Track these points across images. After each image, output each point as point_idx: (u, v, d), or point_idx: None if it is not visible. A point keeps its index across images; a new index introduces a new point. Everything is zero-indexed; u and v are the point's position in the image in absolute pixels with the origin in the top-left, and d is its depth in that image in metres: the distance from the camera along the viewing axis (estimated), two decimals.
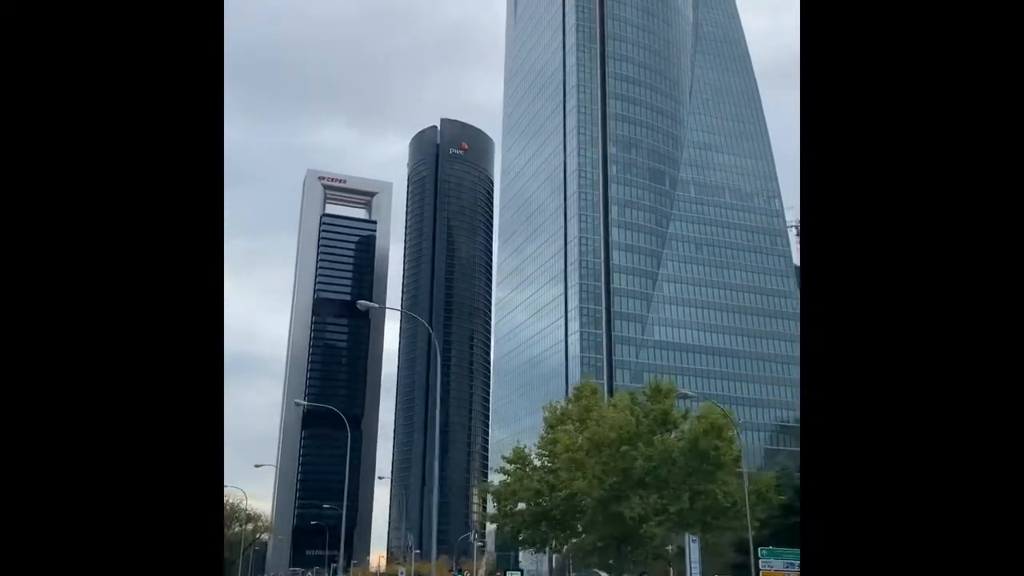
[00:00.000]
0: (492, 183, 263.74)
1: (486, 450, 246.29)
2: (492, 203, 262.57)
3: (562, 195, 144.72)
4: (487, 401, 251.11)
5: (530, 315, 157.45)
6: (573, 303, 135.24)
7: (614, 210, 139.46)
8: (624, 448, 48.63)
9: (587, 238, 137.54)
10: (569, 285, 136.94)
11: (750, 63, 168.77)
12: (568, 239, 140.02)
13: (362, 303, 43.11)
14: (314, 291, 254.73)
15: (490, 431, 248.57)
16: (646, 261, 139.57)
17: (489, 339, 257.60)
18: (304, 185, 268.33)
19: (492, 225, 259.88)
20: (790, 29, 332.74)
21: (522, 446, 62.82)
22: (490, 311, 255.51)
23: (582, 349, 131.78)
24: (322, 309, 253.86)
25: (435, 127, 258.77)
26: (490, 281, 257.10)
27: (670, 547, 55.23)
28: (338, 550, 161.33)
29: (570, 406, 61.10)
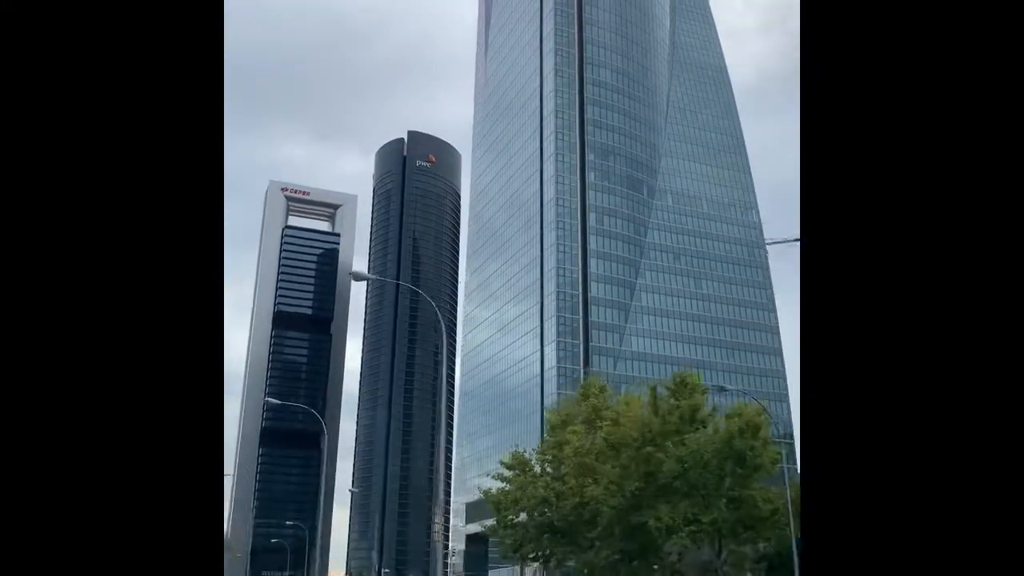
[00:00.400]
0: (459, 197, 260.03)
1: (450, 469, 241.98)
2: (459, 217, 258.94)
3: (538, 203, 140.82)
4: (451, 419, 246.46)
5: (497, 330, 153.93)
6: (550, 312, 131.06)
7: (592, 217, 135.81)
8: (648, 449, 42.98)
9: (565, 245, 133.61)
10: (546, 294, 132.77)
11: (727, 74, 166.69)
12: (545, 247, 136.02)
13: (356, 272, 39.60)
14: (274, 305, 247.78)
15: (454, 449, 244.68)
16: (624, 270, 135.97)
17: (455, 355, 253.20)
18: (266, 197, 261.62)
19: (459, 239, 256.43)
20: (760, 56, 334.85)
21: (522, 450, 57.10)
22: (455, 327, 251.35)
23: (559, 359, 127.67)
24: (282, 323, 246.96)
25: (402, 139, 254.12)
26: (455, 296, 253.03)
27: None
28: (297, 570, 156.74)
29: (579, 405, 55.30)
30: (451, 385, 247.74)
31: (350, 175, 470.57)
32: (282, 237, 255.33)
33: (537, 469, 54.93)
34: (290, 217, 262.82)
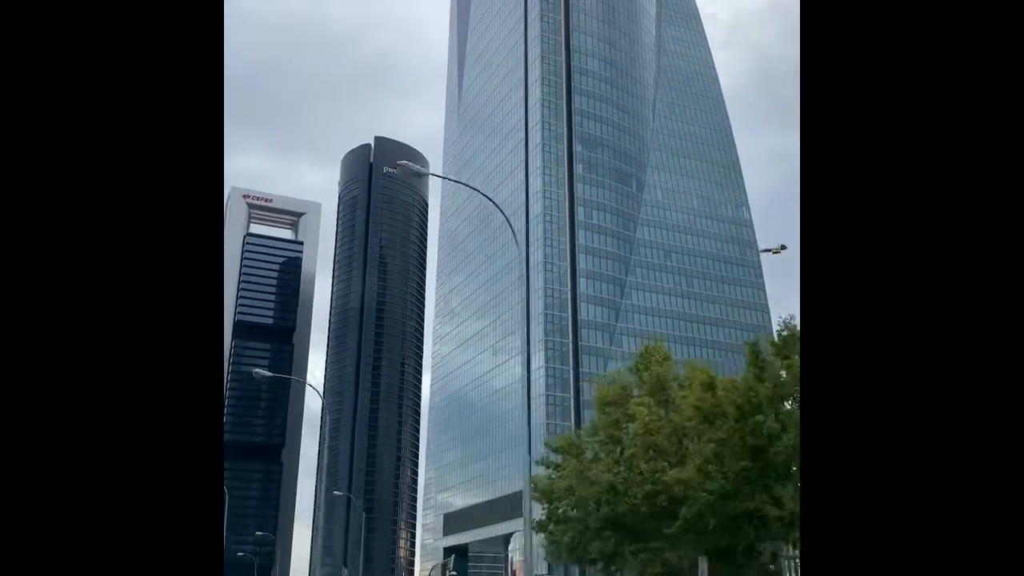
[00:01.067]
0: (427, 205, 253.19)
1: (415, 485, 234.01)
2: (427, 226, 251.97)
3: (523, 195, 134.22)
4: (417, 434, 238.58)
5: (472, 335, 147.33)
6: (537, 308, 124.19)
7: (580, 212, 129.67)
8: (757, 418, 34.37)
9: (552, 239, 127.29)
10: (533, 289, 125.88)
11: (715, 71, 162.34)
12: (532, 241, 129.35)
13: (395, 167, 30.98)
14: (235, 315, 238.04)
15: (423, 463, 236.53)
16: (614, 267, 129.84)
17: (420, 368, 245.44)
18: (228, 204, 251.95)
19: (426, 249, 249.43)
20: (739, 66, 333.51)
21: (574, 434, 48.28)
22: (422, 339, 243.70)
23: (547, 359, 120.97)
24: (243, 334, 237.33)
25: (368, 145, 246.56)
26: (422, 308, 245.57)
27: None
28: None
29: (638, 375, 45.98)
30: (417, 396, 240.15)
31: (313, 185, 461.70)
32: (243, 245, 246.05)
33: (589, 454, 45.36)
34: (252, 225, 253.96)
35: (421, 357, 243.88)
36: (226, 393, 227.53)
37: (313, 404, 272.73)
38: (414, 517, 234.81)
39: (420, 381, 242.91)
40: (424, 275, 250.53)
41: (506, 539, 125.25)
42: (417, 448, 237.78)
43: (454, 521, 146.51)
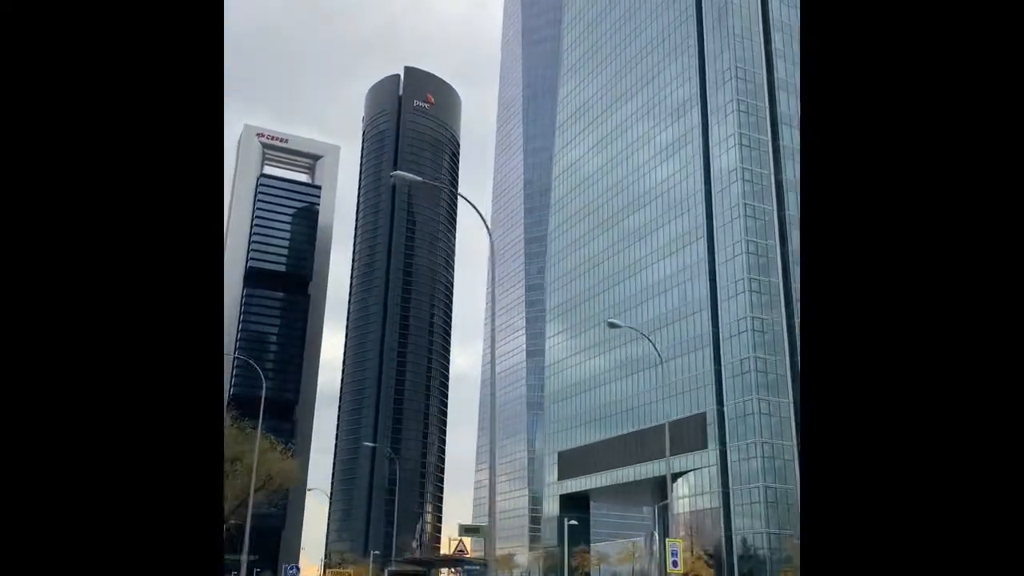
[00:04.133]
0: (459, 146, 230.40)
1: (443, 456, 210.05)
2: (458, 169, 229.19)
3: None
4: (445, 401, 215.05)
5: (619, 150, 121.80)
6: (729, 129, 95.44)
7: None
8: None
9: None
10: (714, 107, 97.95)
11: None
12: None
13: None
14: (247, 261, 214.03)
15: (447, 440, 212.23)
16: None
17: (450, 327, 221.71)
18: (239, 143, 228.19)
19: (456, 190, 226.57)
20: None
21: None
22: (451, 291, 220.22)
23: (744, 195, 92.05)
24: (255, 282, 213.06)
25: (397, 76, 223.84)
26: (452, 257, 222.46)
27: None
28: (260, 555, 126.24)
29: None
30: (445, 365, 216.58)
31: (331, 128, 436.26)
32: (256, 187, 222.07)
33: None
34: (265, 166, 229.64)
35: (450, 312, 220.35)
36: (236, 343, 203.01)
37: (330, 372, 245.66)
38: (441, 490, 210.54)
39: (448, 348, 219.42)
40: (455, 224, 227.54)
41: (659, 483, 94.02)
42: (445, 419, 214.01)
43: (572, 461, 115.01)
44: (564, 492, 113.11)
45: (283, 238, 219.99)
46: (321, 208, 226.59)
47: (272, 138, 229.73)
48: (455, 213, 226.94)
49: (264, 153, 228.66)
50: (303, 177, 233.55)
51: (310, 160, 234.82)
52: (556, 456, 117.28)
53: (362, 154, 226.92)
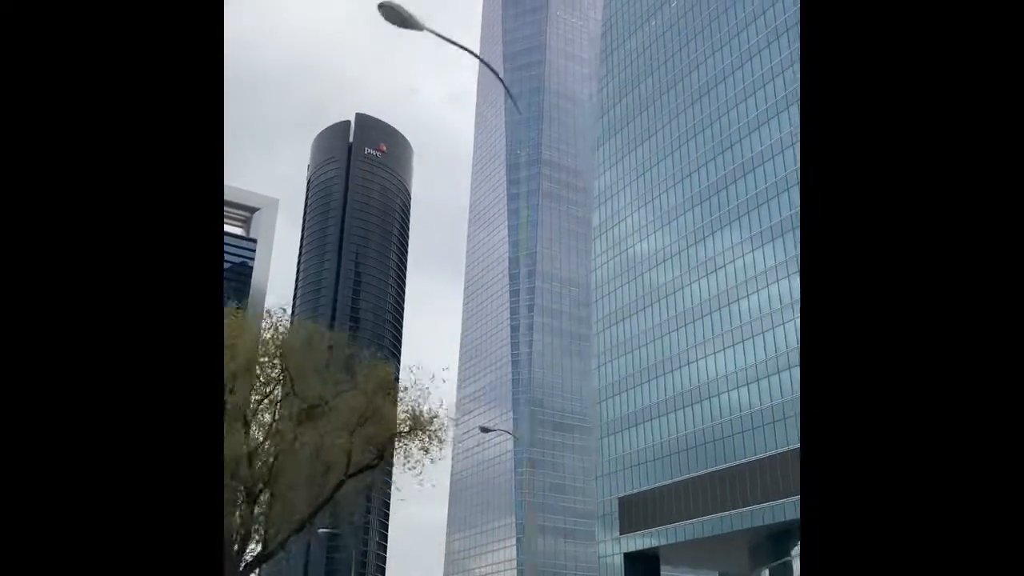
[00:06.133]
0: (410, 197, 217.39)
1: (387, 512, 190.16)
2: (408, 220, 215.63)
3: None
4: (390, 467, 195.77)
5: None
6: None
7: None
8: None
9: None
10: None
11: None
12: None
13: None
14: None
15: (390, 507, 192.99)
16: None
17: (399, 360, 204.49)
18: None
19: (407, 248, 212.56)
20: None
21: None
22: (399, 343, 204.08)
23: None
24: None
25: (348, 122, 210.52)
26: (401, 310, 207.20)
27: None
28: None
29: None
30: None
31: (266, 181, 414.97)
32: None
33: None
34: None
35: (399, 351, 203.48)
36: None
37: None
38: None
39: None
40: (404, 279, 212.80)
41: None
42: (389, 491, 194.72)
43: (633, 510, 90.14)
44: (629, 550, 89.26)
45: None
46: (256, 264, 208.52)
47: None
48: (404, 274, 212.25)
49: None
50: (237, 231, 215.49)
51: (246, 213, 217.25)
52: (616, 503, 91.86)
53: (306, 205, 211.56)
